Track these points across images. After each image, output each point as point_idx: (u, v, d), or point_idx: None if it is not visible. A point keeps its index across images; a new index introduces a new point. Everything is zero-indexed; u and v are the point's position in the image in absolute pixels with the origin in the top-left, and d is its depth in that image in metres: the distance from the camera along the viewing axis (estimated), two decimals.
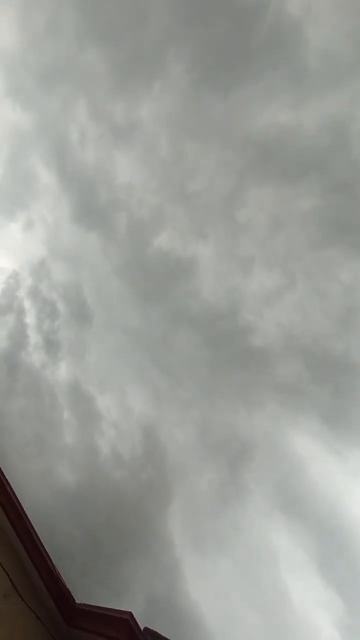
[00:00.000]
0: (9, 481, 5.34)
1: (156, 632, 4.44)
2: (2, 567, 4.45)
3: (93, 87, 24.06)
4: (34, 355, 21.15)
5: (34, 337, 21.66)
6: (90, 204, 24.57)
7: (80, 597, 5.14)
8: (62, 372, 21.44)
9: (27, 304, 22.38)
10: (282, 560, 17.07)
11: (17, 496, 5.26)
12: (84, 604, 4.62)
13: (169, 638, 4.46)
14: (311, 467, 19.93)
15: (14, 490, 5.30)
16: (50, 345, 21.74)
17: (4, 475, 5.28)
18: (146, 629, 4.42)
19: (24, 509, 5.08)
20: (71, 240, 25.61)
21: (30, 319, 22.03)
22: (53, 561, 4.84)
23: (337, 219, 21.81)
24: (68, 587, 4.63)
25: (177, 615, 13.43)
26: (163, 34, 22.17)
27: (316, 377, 21.19)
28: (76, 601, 4.64)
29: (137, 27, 22.21)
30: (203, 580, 15.72)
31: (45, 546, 5.01)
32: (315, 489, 18.75)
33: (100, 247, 24.91)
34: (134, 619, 4.32)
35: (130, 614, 4.34)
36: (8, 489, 5.14)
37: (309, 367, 21.54)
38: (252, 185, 23.76)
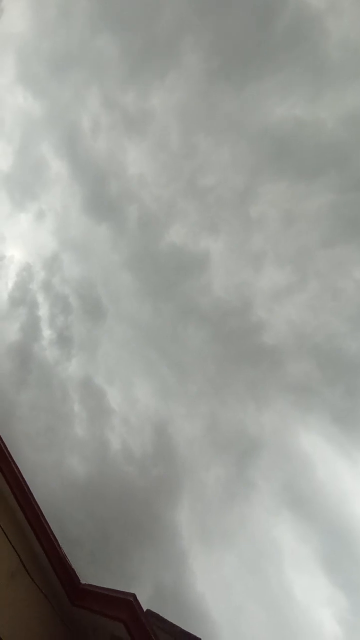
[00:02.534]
0: (19, 467, 5.52)
1: (158, 615, 4.56)
2: (12, 546, 4.61)
3: (106, 76, 24.00)
4: (46, 348, 21.49)
5: (46, 330, 21.99)
6: (101, 196, 24.63)
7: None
8: (74, 365, 21.74)
9: (40, 297, 22.70)
10: (287, 556, 17.11)
11: (26, 480, 5.44)
12: (88, 585, 4.75)
13: (170, 621, 4.57)
14: (319, 466, 19.84)
15: (24, 476, 5.48)
16: (62, 339, 22.05)
17: (13, 461, 5.46)
18: (149, 610, 4.53)
19: (32, 493, 5.24)
20: (82, 232, 25.73)
21: (42, 312, 22.35)
22: (59, 542, 4.99)
23: (353, 216, 21.53)
24: (73, 567, 4.78)
25: (183, 606, 13.59)
26: (179, 22, 22.00)
27: (328, 376, 21.04)
28: (81, 581, 4.78)
29: (152, 14, 22.07)
30: (209, 573, 15.86)
31: (52, 528, 5.17)
32: (323, 489, 18.69)
33: (111, 240, 24.99)
34: (137, 600, 4.42)
35: (134, 595, 4.44)
36: (17, 473, 5.32)
37: (320, 367, 21.39)
38: (265, 181, 23.58)
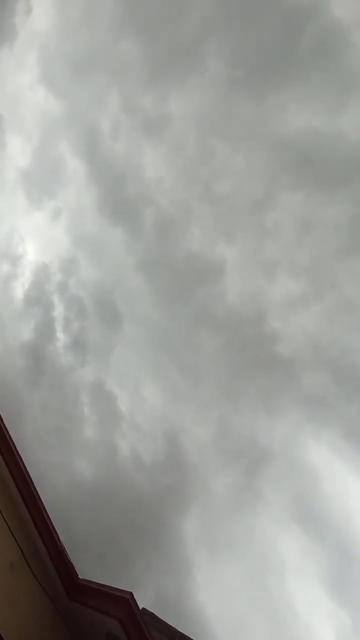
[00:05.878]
0: (25, 463, 5.65)
1: (153, 614, 4.57)
2: (13, 536, 4.70)
3: (127, 78, 24.03)
4: (60, 350, 21.76)
5: (60, 332, 22.27)
6: (117, 197, 24.67)
7: None
8: (86, 368, 21.91)
9: (56, 298, 22.97)
10: (291, 570, 16.80)
11: (32, 477, 5.56)
12: (86, 580, 4.80)
13: (165, 621, 4.58)
14: (328, 481, 19.49)
15: (30, 474, 5.59)
16: (76, 341, 22.30)
17: (19, 455, 5.59)
18: (144, 609, 4.55)
19: (36, 487, 5.34)
20: (97, 233, 25.67)
21: (57, 313, 22.62)
22: (61, 540, 5.06)
23: None
24: (72, 562, 4.84)
25: (183, 615, 13.45)
26: (203, 27, 21.77)
27: (343, 390, 20.66)
28: (79, 576, 4.84)
29: (178, 17, 21.92)
30: (212, 583, 15.67)
31: (54, 525, 5.26)
32: (331, 504, 18.32)
33: (126, 242, 24.98)
34: (134, 598, 4.46)
35: (131, 593, 4.48)
36: (23, 468, 5.43)
37: (336, 381, 21.00)
38: (283, 190, 23.41)
